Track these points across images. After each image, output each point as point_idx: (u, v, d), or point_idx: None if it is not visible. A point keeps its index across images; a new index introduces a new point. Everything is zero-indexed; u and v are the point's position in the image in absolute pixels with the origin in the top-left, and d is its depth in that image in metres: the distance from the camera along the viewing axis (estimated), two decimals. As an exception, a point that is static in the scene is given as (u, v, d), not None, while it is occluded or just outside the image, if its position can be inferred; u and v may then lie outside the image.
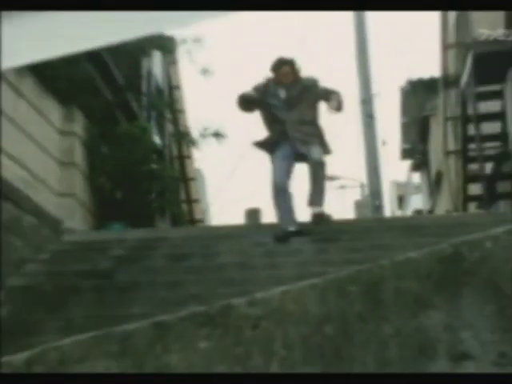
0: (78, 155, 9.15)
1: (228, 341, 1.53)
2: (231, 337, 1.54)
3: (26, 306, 6.30)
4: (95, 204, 9.50)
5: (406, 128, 19.67)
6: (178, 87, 16.09)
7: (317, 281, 1.60)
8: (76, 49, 0.99)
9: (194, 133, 12.98)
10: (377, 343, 1.54)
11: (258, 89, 7.78)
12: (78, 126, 9.23)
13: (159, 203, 10.51)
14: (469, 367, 1.60)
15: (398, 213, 28.91)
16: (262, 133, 8.01)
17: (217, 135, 12.20)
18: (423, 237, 6.98)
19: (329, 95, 7.65)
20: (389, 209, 24.24)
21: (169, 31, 10.27)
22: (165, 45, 11.85)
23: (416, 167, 21.75)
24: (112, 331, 1.56)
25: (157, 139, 12.23)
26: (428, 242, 5.53)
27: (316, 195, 7.71)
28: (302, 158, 7.75)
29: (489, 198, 11.10)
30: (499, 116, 10.81)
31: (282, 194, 7.56)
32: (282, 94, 7.77)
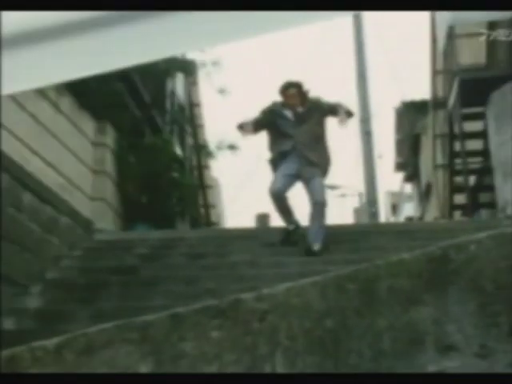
0: (109, 164, 9.15)
1: (237, 331, 1.51)
2: (240, 328, 1.51)
3: (61, 297, 6.30)
4: (123, 207, 9.50)
5: (399, 144, 19.64)
6: (197, 105, 16.10)
7: (318, 278, 1.58)
8: (77, 75, 0.96)
9: (211, 145, 13.00)
10: (372, 336, 1.51)
11: (264, 111, 7.33)
12: (109, 138, 9.25)
13: (179, 207, 10.51)
14: (454, 358, 1.57)
15: (392, 219, 28.83)
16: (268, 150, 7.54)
17: (231, 147, 12.21)
18: (414, 240, 6.94)
19: (335, 109, 7.12)
20: (383, 215, 24.17)
21: (175, 54, 10.25)
22: (187, 67, 11.87)
23: (408, 178, 21.71)
24: (133, 321, 1.54)
25: (178, 150, 12.23)
26: (418, 244, 5.51)
27: (317, 234, 7.04)
28: (302, 179, 7.20)
29: (472, 207, 11.07)
30: (482, 135, 10.78)
31: (279, 201, 7.11)
32: (290, 113, 7.25)
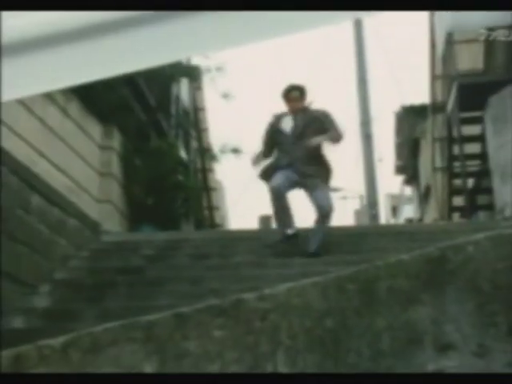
0: (115, 167, 9.16)
1: (239, 330, 1.51)
2: (242, 327, 1.51)
3: (69, 297, 6.30)
4: (129, 209, 9.50)
5: (399, 147, 19.62)
6: (202, 109, 16.11)
7: (319, 279, 1.58)
8: (78, 81, 0.95)
9: (215, 149, 13.00)
10: (371, 335, 1.50)
11: (267, 130, 6.99)
12: (116, 141, 9.25)
13: (184, 209, 10.50)
14: (452, 357, 1.57)
15: (392, 221, 28.80)
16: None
17: (235, 151, 12.20)
18: (413, 241, 6.93)
19: (330, 129, 6.79)
20: (384, 217, 24.14)
21: (181, 59, 10.22)
22: (191, 73, 11.87)
23: (408, 181, 21.69)
24: (138, 320, 1.54)
25: (183, 154, 12.23)
26: (417, 245, 5.50)
27: (315, 240, 6.80)
28: (304, 189, 6.86)
29: (470, 209, 11.06)
30: (480, 138, 10.78)
31: (279, 198, 6.69)
32: (290, 123, 6.84)
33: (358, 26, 15.23)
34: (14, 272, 5.77)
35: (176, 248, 7.63)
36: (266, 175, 6.84)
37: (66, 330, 3.30)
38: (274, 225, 7.62)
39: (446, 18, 10.19)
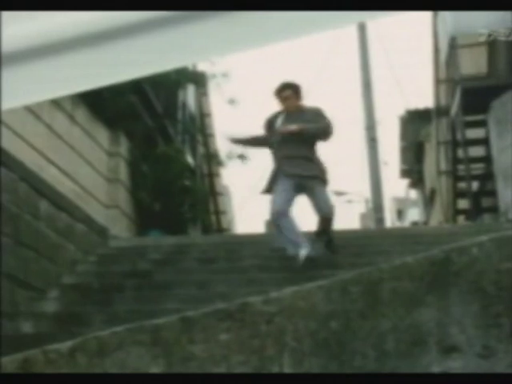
0: (123, 173, 9.17)
1: (245, 334, 1.50)
2: (248, 330, 1.50)
3: (77, 301, 6.30)
4: (136, 214, 9.51)
5: (404, 151, 19.60)
6: (208, 115, 16.12)
7: (324, 282, 1.57)
8: (78, 89, 0.94)
9: (222, 154, 13.00)
10: (376, 337, 1.50)
11: (267, 121, 6.66)
12: (123, 147, 9.27)
13: (191, 214, 10.51)
14: (456, 358, 1.56)
15: (397, 224, 28.75)
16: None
17: (241, 157, 12.20)
18: (418, 244, 6.91)
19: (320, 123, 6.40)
20: (389, 221, 24.11)
21: (187, 65, 10.21)
22: (197, 79, 11.89)
23: (413, 185, 21.66)
24: (144, 324, 1.54)
25: (189, 159, 12.24)
26: (423, 248, 5.48)
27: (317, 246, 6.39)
28: (304, 189, 6.43)
29: (475, 212, 11.03)
30: (484, 141, 10.76)
31: (282, 218, 6.27)
32: (283, 123, 6.47)
33: (362, 30, 15.23)
34: (22, 277, 5.78)
35: (183, 252, 7.63)
36: (269, 190, 6.46)
37: (74, 335, 3.30)
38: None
39: (449, 23, 10.18)
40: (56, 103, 7.30)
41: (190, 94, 13.66)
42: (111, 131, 9.08)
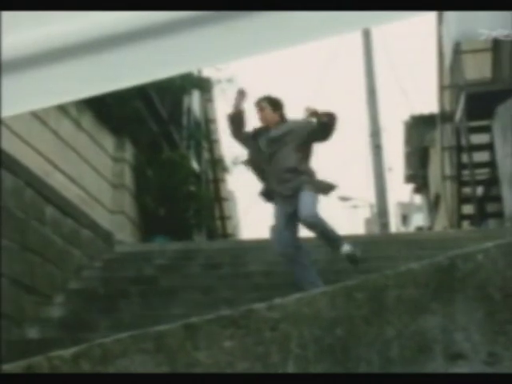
0: (128, 178, 9.17)
1: (250, 341, 1.49)
2: (252, 337, 1.49)
3: (82, 307, 6.29)
4: (141, 220, 9.51)
5: (408, 156, 19.57)
6: (213, 120, 16.13)
7: (328, 288, 1.56)
8: (77, 97, 0.93)
9: (227, 160, 13.00)
10: (381, 344, 1.48)
11: (247, 138, 5.95)
12: (128, 153, 9.27)
13: (196, 219, 10.50)
14: (462, 365, 1.54)
15: (402, 229, 28.71)
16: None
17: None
18: (423, 249, 6.89)
19: (316, 126, 5.65)
20: (394, 226, 24.07)
21: (192, 71, 10.20)
22: (203, 85, 11.89)
23: (417, 190, 21.63)
24: (148, 331, 1.53)
25: (195, 165, 12.24)
26: (427, 253, 5.46)
27: (329, 241, 5.69)
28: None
29: (480, 217, 11.00)
30: (488, 147, 10.74)
31: (288, 263, 5.79)
32: (264, 140, 5.80)
33: (367, 36, 15.22)
34: (28, 282, 5.78)
35: (188, 258, 7.62)
36: (267, 197, 5.86)
37: (81, 340, 3.29)
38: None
39: (454, 28, 10.17)
40: (62, 109, 7.31)
41: (195, 100, 13.67)
42: (116, 137, 9.08)
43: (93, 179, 8.23)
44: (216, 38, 0.82)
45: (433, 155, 16.98)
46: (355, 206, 30.17)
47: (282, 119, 5.90)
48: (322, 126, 5.63)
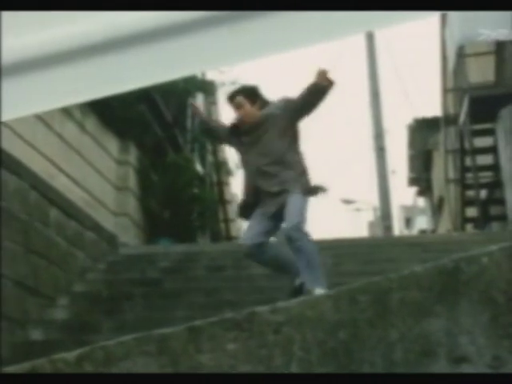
0: (132, 181, 9.17)
1: (253, 343, 1.48)
2: (256, 340, 1.49)
3: (86, 309, 6.29)
4: (146, 222, 9.51)
5: (412, 159, 19.55)
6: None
7: (331, 291, 1.55)
8: (78, 100, 0.92)
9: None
10: (384, 347, 1.48)
11: (226, 132, 5.24)
12: (132, 156, 9.28)
13: (200, 222, 10.50)
14: (466, 369, 1.53)
15: (405, 232, 28.68)
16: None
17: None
18: (427, 252, 6.88)
19: (306, 90, 4.79)
20: (397, 229, 24.04)
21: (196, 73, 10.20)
22: (207, 88, 11.89)
23: (421, 193, 21.61)
24: (151, 333, 1.52)
25: (199, 168, 12.24)
26: (431, 256, 5.46)
27: (304, 272, 4.65)
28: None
29: (483, 220, 10.98)
30: (492, 150, 10.71)
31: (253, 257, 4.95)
32: (243, 135, 5.04)
33: (370, 39, 15.22)
34: (32, 284, 5.77)
35: (192, 260, 7.62)
36: (244, 214, 5.07)
37: (84, 342, 3.29)
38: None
39: (457, 31, 10.16)
40: (67, 112, 7.31)
41: (199, 103, 13.67)
42: (121, 140, 9.09)
43: (97, 182, 8.23)
44: (222, 40, 0.81)
45: (436, 158, 16.96)
46: (358, 209, 30.17)
47: (264, 106, 5.04)
48: (315, 92, 4.76)
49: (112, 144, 8.90)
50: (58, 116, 7.16)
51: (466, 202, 11.63)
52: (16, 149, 5.93)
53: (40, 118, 6.68)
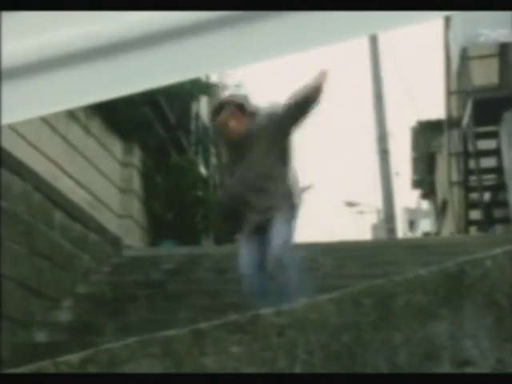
0: (136, 183, 9.18)
1: (257, 346, 1.48)
2: (259, 343, 1.49)
3: (90, 311, 6.30)
4: (149, 224, 9.51)
5: (415, 162, 19.54)
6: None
7: (335, 294, 1.55)
8: (80, 103, 0.92)
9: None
10: (388, 350, 1.47)
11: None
12: (136, 158, 9.28)
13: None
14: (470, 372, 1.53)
15: (409, 235, 28.65)
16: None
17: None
18: (430, 255, 6.87)
19: (298, 96, 4.44)
20: (401, 231, 24.02)
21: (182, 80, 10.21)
22: (210, 90, 11.90)
23: (424, 195, 21.59)
24: (155, 336, 1.52)
25: (202, 170, 12.25)
26: (434, 259, 5.45)
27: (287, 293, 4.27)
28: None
29: (487, 223, 10.96)
30: (495, 152, 10.71)
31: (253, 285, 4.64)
32: (230, 148, 4.75)
33: (374, 42, 15.21)
34: (36, 286, 5.78)
35: (196, 262, 7.62)
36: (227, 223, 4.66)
37: (88, 344, 3.29)
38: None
39: (460, 34, 10.15)
40: (71, 115, 7.32)
41: (203, 105, 13.68)
42: (125, 142, 9.10)
43: (101, 184, 8.24)
44: (227, 42, 0.81)
45: (440, 161, 16.94)
46: (362, 212, 30.15)
47: (254, 116, 4.63)
48: (303, 102, 4.43)
49: (116, 146, 8.91)
50: (62, 118, 7.17)
51: (470, 205, 11.62)
52: (20, 150, 5.94)
53: (45, 121, 6.69)
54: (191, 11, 0.79)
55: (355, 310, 1.50)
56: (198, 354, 1.48)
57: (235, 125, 4.55)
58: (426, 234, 21.81)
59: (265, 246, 4.43)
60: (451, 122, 12.83)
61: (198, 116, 13.15)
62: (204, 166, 12.84)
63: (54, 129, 7.00)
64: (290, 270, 4.35)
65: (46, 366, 1.49)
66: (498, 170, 10.75)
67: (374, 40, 15.14)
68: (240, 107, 4.60)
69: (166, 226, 9.55)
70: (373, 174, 15.86)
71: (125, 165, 9.02)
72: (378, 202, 18.09)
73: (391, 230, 14.36)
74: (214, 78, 11.90)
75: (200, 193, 10.69)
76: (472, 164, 11.03)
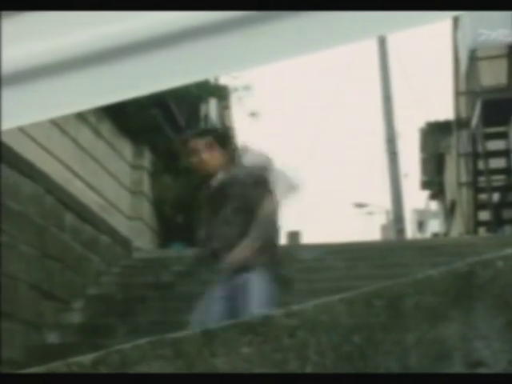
0: (146, 185, 9.19)
1: (267, 347, 1.48)
2: (270, 344, 1.48)
3: (101, 312, 6.31)
4: (159, 226, 9.52)
5: (424, 163, 19.49)
6: (230, 128, 16.14)
7: (346, 295, 1.54)
8: (80, 108, 0.92)
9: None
10: (399, 351, 1.47)
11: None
12: (146, 160, 9.30)
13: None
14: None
15: (418, 235, 28.57)
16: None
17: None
18: (439, 256, 6.85)
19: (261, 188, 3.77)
20: (410, 232, 23.95)
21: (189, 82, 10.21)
22: (219, 92, 11.90)
23: (433, 196, 21.53)
24: (166, 337, 1.52)
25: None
26: (443, 260, 5.43)
27: None
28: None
29: (496, 223, 10.92)
30: (505, 153, 10.67)
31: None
32: (206, 195, 4.18)
33: (382, 43, 15.19)
34: (47, 288, 5.79)
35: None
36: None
37: (98, 346, 3.29)
38: (301, 240, 7.23)
39: (469, 35, 10.12)
40: (81, 117, 7.34)
41: (212, 107, 13.68)
42: (135, 144, 9.11)
43: (112, 186, 8.25)
44: (235, 44, 0.80)
45: (449, 162, 16.89)
46: (371, 213, 30.08)
47: (233, 155, 4.02)
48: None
49: (126, 148, 8.92)
50: (72, 121, 7.19)
51: (479, 206, 11.58)
52: (31, 153, 5.96)
53: (55, 123, 6.71)
54: (199, 12, 0.79)
55: (366, 311, 1.49)
56: (209, 355, 1.47)
57: (209, 157, 3.92)
58: (435, 235, 21.73)
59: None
60: (460, 123, 12.80)
61: (206, 118, 13.15)
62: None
63: (64, 131, 7.01)
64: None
65: (58, 366, 1.50)
66: (507, 171, 10.71)
67: (382, 42, 15.12)
68: (220, 140, 4.01)
69: (175, 228, 9.54)
70: (382, 175, 15.83)
71: (135, 167, 9.03)
72: (387, 202, 18.06)
73: (400, 230, 14.34)
74: (222, 80, 11.89)
75: (209, 195, 10.68)
76: (481, 165, 11.00)
